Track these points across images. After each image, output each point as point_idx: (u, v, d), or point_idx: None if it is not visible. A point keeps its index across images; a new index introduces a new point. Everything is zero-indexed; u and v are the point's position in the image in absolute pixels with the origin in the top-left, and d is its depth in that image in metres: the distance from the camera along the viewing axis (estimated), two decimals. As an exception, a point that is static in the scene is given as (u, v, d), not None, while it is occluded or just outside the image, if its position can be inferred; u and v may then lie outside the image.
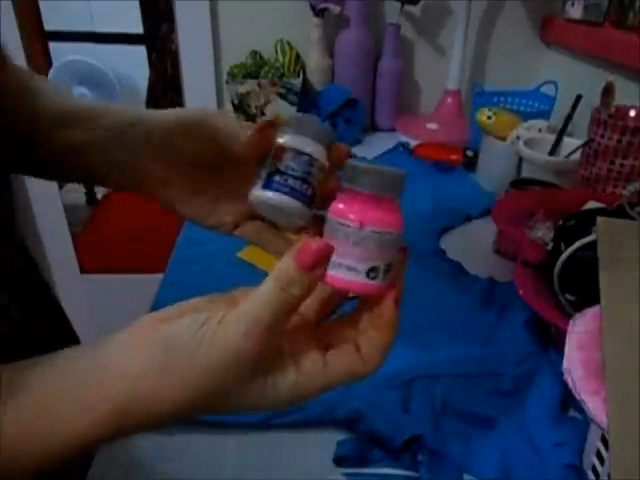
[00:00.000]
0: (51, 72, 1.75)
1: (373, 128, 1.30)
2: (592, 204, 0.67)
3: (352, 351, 0.27)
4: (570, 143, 0.87)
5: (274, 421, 0.48)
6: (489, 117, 0.98)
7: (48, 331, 0.48)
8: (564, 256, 0.55)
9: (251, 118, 1.18)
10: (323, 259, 0.25)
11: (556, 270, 0.55)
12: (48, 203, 1.40)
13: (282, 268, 0.25)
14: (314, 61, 1.23)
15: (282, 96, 1.16)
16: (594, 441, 0.42)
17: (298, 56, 1.23)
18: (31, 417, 0.24)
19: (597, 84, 0.80)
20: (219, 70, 1.28)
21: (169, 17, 1.43)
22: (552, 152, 0.88)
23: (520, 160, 0.87)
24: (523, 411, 0.51)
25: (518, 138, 0.92)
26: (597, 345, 0.41)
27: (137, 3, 1.77)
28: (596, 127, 0.75)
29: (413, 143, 1.16)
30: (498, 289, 0.69)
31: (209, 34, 1.23)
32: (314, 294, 0.27)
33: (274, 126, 0.33)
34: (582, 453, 0.45)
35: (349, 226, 0.26)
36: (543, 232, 0.65)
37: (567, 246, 0.55)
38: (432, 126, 1.24)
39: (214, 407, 0.26)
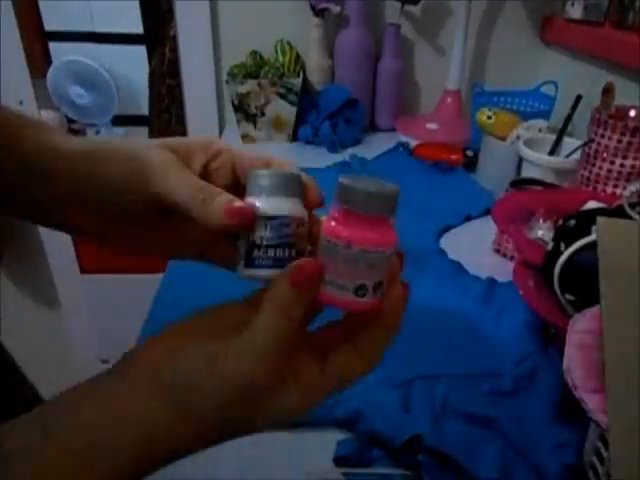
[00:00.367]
0: (49, 72, 1.75)
1: (373, 128, 1.30)
2: (592, 204, 0.67)
3: (350, 351, 0.27)
4: (570, 143, 0.87)
5: (274, 421, 0.48)
6: (489, 117, 0.98)
7: None
8: (564, 256, 0.55)
9: (251, 118, 1.18)
10: (317, 279, 0.26)
11: (556, 270, 0.55)
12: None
13: (280, 295, 0.25)
14: (314, 61, 1.23)
15: (282, 96, 1.16)
16: (594, 441, 0.42)
17: (298, 56, 1.23)
18: None
19: (597, 84, 0.80)
20: (219, 70, 1.28)
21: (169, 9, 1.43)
22: (552, 152, 0.88)
23: (520, 160, 0.87)
24: (523, 411, 0.51)
25: (518, 138, 0.92)
26: (597, 345, 0.41)
27: (137, 3, 1.77)
28: (596, 127, 0.75)
29: (413, 143, 1.16)
30: (498, 289, 0.69)
31: (209, 34, 1.23)
32: None
33: (249, 212, 0.28)
34: (582, 453, 0.45)
35: (338, 245, 0.26)
36: (543, 232, 0.65)
37: (567, 246, 0.55)
38: (432, 126, 1.24)
39: (233, 434, 0.27)
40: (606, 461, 0.40)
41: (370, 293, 0.26)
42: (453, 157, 1.08)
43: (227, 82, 1.17)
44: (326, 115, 1.17)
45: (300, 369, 0.27)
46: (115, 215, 0.31)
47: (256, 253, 0.28)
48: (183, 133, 1.43)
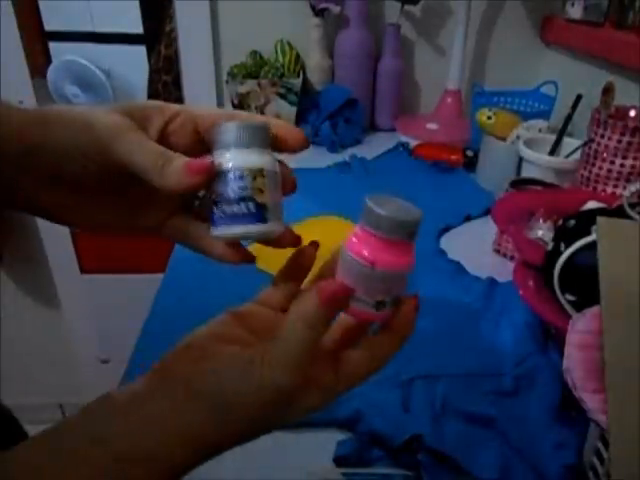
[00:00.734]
0: (49, 71, 1.75)
1: (373, 128, 1.30)
2: (592, 204, 0.67)
3: (361, 354, 0.29)
4: (570, 143, 0.87)
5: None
6: (489, 117, 0.98)
7: None
8: (564, 256, 0.55)
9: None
10: (347, 301, 0.28)
11: (556, 270, 0.55)
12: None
13: (309, 311, 0.27)
14: (314, 61, 1.23)
15: (282, 96, 1.16)
16: (594, 441, 0.42)
17: (298, 56, 1.23)
18: None
19: (597, 84, 0.80)
20: (219, 70, 1.28)
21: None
22: (552, 152, 0.88)
23: (520, 160, 0.87)
24: (523, 411, 0.51)
25: (518, 138, 0.92)
26: (597, 345, 0.41)
27: (137, 3, 1.76)
28: (596, 127, 0.75)
29: (413, 143, 1.16)
30: (498, 289, 0.69)
31: (209, 34, 1.23)
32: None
33: (209, 166, 0.28)
34: (582, 453, 0.45)
35: (362, 264, 0.27)
36: (543, 232, 0.65)
37: (567, 246, 0.55)
38: (432, 126, 1.24)
39: (262, 432, 0.29)
40: (606, 461, 0.40)
41: (388, 307, 0.29)
42: (453, 157, 1.08)
43: (227, 82, 1.17)
44: (326, 115, 1.17)
45: (318, 372, 0.28)
46: (68, 184, 0.30)
47: (215, 211, 0.28)
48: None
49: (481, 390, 0.53)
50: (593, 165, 0.76)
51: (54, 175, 0.30)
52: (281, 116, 1.18)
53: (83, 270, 1.53)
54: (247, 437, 0.28)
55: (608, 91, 0.78)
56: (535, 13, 1.24)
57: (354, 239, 0.28)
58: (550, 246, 0.58)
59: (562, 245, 0.56)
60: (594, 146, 0.75)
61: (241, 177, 0.27)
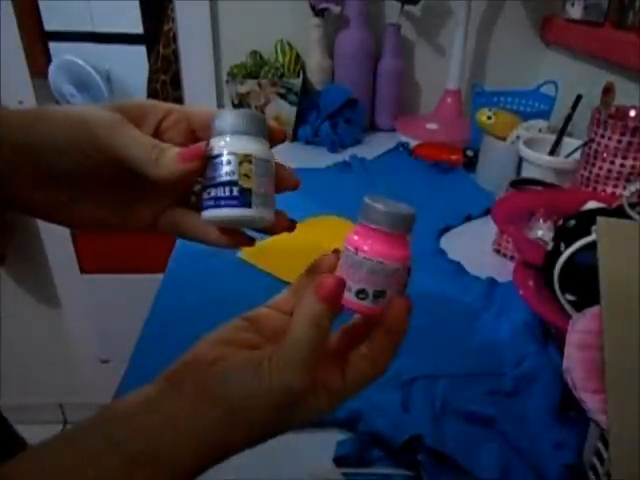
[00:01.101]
0: (50, 72, 1.75)
1: (373, 128, 1.30)
2: (592, 204, 0.67)
3: (363, 357, 0.30)
4: (570, 143, 0.87)
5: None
6: (489, 117, 0.98)
7: None
8: (564, 256, 0.55)
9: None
10: (341, 289, 0.28)
11: (556, 270, 0.55)
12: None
13: (310, 309, 0.27)
14: (314, 61, 1.23)
15: (282, 96, 1.16)
16: (594, 441, 0.42)
17: (298, 56, 1.23)
18: None
19: (597, 84, 0.80)
20: (219, 70, 1.28)
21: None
22: (552, 152, 0.88)
23: (520, 160, 0.87)
24: (523, 411, 0.51)
25: (518, 138, 0.92)
26: (597, 345, 0.41)
27: (137, 3, 1.76)
28: (596, 127, 0.75)
29: (413, 143, 1.16)
30: (498, 289, 0.69)
31: (209, 34, 1.23)
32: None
33: (202, 151, 0.29)
34: (582, 453, 0.45)
35: (349, 251, 0.29)
36: (543, 232, 0.65)
37: (567, 246, 0.55)
38: (432, 126, 1.24)
39: (273, 435, 0.29)
40: (606, 461, 0.40)
41: (370, 299, 0.29)
42: (453, 157, 1.08)
43: (227, 82, 1.17)
44: (326, 115, 1.17)
45: (326, 375, 0.29)
46: (63, 182, 0.31)
47: (205, 195, 0.29)
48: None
49: (481, 390, 0.53)
50: (593, 165, 0.76)
51: (49, 173, 0.30)
52: (281, 116, 1.18)
53: (83, 270, 1.53)
54: (256, 440, 0.28)
55: (608, 91, 0.78)
56: (535, 13, 1.24)
57: (354, 236, 0.29)
58: (550, 246, 0.58)
59: (562, 245, 0.56)
60: (594, 146, 0.75)
61: (228, 162, 0.28)
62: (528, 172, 0.85)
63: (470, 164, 1.05)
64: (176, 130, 0.32)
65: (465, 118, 1.24)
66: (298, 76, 1.20)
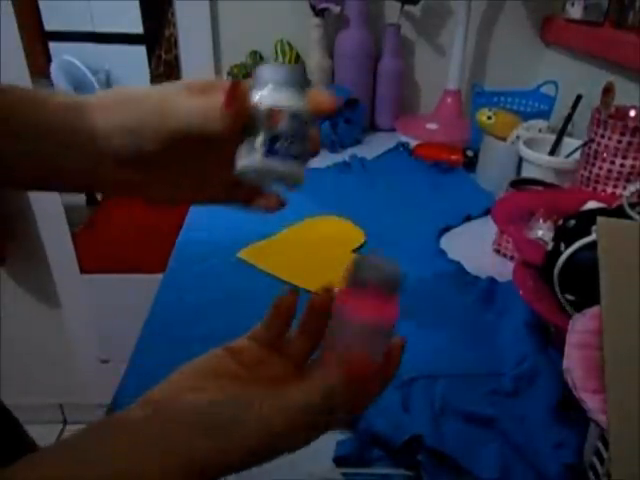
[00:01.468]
0: (52, 72, 1.75)
1: (373, 128, 1.30)
2: (592, 204, 0.67)
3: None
4: (570, 143, 0.87)
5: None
6: (489, 117, 0.98)
7: None
8: (564, 256, 0.55)
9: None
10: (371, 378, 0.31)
11: (556, 270, 0.55)
12: (48, 203, 1.40)
13: (329, 383, 0.29)
14: (314, 61, 1.23)
15: (282, 96, 1.16)
16: (594, 441, 0.42)
17: (298, 56, 1.23)
18: None
19: (597, 84, 0.80)
20: (219, 70, 1.28)
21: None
22: (552, 152, 0.88)
23: (520, 160, 0.87)
24: (523, 411, 0.51)
25: (518, 138, 0.92)
26: (597, 345, 0.41)
27: (137, 3, 1.76)
28: (596, 127, 0.75)
29: (413, 143, 1.16)
30: (498, 289, 0.69)
31: (209, 34, 1.23)
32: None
33: (243, 90, 0.31)
34: (582, 453, 0.45)
35: (346, 317, 0.29)
36: (543, 232, 0.65)
37: (567, 246, 0.55)
38: (432, 126, 1.24)
39: (256, 463, 0.30)
40: (606, 461, 0.40)
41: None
42: (453, 157, 1.08)
43: (227, 82, 1.17)
44: (326, 115, 1.17)
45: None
46: (143, 163, 0.34)
47: (278, 145, 0.30)
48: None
49: (481, 390, 0.53)
50: (593, 165, 0.76)
51: (134, 155, 0.33)
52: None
53: (83, 270, 1.53)
54: (249, 464, 0.29)
55: (608, 91, 0.78)
56: (535, 13, 1.24)
57: (344, 300, 0.29)
58: (550, 246, 0.58)
59: (562, 245, 0.56)
60: (594, 146, 0.75)
61: (306, 122, 0.30)
62: (528, 172, 0.85)
63: (470, 164, 1.05)
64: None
65: (465, 118, 1.24)
66: (298, 76, 1.19)
